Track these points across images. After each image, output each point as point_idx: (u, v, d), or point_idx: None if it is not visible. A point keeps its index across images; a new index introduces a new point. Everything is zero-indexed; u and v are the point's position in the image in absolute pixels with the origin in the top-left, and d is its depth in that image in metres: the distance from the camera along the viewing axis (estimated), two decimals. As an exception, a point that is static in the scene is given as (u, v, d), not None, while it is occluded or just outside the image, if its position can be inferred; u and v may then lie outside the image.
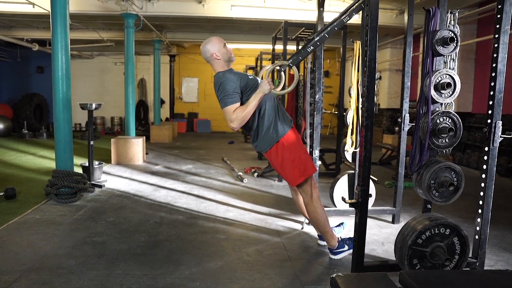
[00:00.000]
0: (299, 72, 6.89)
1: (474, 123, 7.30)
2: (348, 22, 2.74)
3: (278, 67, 2.64)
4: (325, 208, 3.81)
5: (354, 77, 3.56)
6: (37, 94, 12.31)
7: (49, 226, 3.42)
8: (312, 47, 2.58)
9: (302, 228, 3.49)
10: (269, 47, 7.94)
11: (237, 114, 2.53)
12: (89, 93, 13.35)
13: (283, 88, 2.84)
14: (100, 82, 13.70)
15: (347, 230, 3.31)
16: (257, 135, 2.76)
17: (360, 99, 3.33)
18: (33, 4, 7.02)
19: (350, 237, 2.93)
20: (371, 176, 2.47)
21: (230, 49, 2.75)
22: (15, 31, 10.12)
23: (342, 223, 3.29)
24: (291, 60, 2.59)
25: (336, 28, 2.60)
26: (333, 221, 3.48)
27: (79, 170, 5.09)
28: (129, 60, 7.59)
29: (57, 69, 4.31)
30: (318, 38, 2.57)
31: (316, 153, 3.61)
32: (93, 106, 4.97)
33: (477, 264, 2.46)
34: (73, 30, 9.52)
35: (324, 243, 3.05)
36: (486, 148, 2.33)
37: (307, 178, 2.74)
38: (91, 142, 5.02)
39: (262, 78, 2.74)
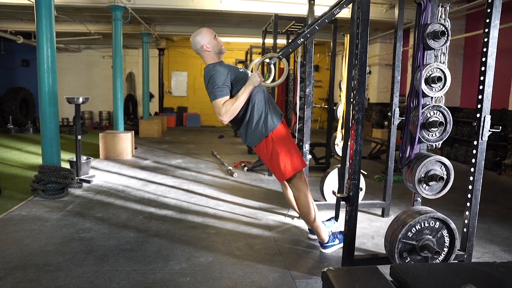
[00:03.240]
0: (289, 66, 6.89)
1: (462, 118, 7.38)
2: (339, 16, 2.73)
3: (268, 60, 2.62)
4: (316, 202, 3.83)
5: (344, 71, 3.56)
6: (22, 88, 12.07)
7: (36, 223, 3.36)
8: (302, 39, 2.56)
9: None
10: (259, 40, 7.89)
11: (227, 108, 2.49)
12: (76, 87, 13.14)
13: (273, 81, 2.82)
14: (87, 76, 13.49)
15: (337, 224, 3.31)
16: (246, 129, 2.73)
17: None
18: (17, -5, 6.87)
19: (341, 231, 2.94)
20: (361, 170, 2.47)
21: (220, 41, 2.71)
22: (-2, 23, 9.89)
23: (332, 217, 3.30)
24: (281, 52, 2.57)
25: (326, 21, 2.58)
26: (323, 215, 3.50)
27: (66, 165, 5.02)
28: (117, 54, 7.47)
29: (42, 62, 4.22)
30: (308, 30, 2.55)
31: (306, 147, 3.60)
32: (80, 100, 4.89)
33: (465, 257, 2.49)
34: (59, 23, 9.34)
35: (314, 237, 3.06)
36: (475, 142, 2.35)
37: (297, 173, 2.72)
38: (79, 137, 4.94)
39: (252, 71, 2.71)
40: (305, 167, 2.78)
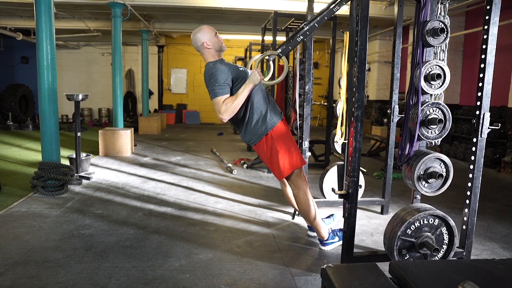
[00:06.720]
0: (288, 63, 6.88)
1: (461, 115, 7.38)
2: (338, 13, 2.72)
3: (267, 57, 2.61)
4: (315, 200, 3.83)
5: (344, 68, 3.56)
6: (22, 85, 12.05)
7: (36, 219, 3.37)
8: (301, 37, 2.55)
9: (293, 218, 3.50)
10: (258, 38, 7.87)
11: (227, 106, 2.49)
12: (76, 84, 13.13)
13: (273, 79, 2.81)
14: (87, 73, 13.47)
15: (337, 221, 3.32)
16: (246, 128, 2.72)
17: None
18: (16, -8, 6.84)
19: (340, 228, 2.94)
20: (360, 168, 2.47)
21: (221, 38, 2.70)
22: (-3, 19, 9.85)
23: (332, 215, 3.30)
24: (280, 50, 2.56)
25: (325, 18, 2.58)
26: (322, 212, 3.50)
27: (66, 162, 5.02)
28: (116, 51, 7.45)
29: (42, 59, 4.21)
30: (307, 27, 2.55)
31: (306, 144, 3.60)
32: (80, 97, 4.89)
33: (464, 254, 2.49)
34: (58, 19, 9.31)
35: (314, 234, 3.06)
36: (474, 139, 2.35)
37: (295, 170, 2.72)
38: (78, 134, 4.94)
39: (251, 69, 2.70)
40: (305, 165, 2.77)
